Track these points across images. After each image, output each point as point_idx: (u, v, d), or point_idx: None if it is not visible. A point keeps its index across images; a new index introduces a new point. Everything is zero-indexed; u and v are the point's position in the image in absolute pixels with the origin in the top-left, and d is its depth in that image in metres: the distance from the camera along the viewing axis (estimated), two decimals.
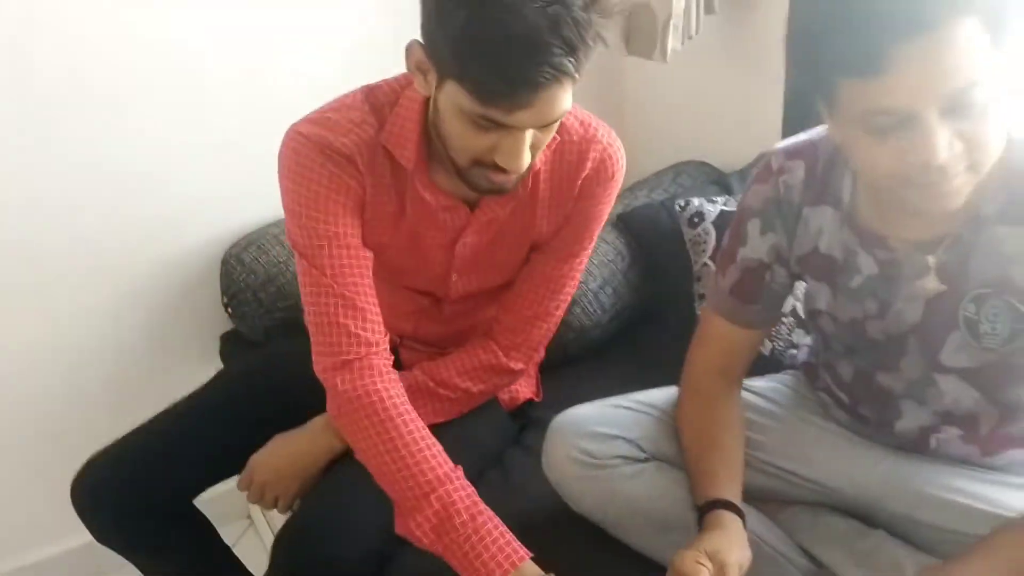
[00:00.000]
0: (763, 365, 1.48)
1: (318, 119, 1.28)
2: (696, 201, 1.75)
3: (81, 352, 1.92)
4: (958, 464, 1.21)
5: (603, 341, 1.80)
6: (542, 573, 1.11)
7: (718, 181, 1.95)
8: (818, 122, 1.19)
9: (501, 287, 1.46)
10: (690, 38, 1.94)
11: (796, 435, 1.31)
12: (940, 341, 1.12)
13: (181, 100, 1.83)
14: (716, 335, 1.30)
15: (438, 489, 1.16)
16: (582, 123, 1.32)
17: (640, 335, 1.83)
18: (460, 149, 1.17)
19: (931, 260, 1.09)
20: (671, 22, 1.89)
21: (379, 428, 1.20)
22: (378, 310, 1.28)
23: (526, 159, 1.14)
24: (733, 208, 1.73)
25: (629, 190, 1.98)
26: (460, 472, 1.20)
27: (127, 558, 1.51)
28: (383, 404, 1.21)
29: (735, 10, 1.99)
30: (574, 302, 1.70)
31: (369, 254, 1.29)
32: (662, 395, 1.37)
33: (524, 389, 1.61)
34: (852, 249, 1.16)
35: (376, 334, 1.26)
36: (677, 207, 1.77)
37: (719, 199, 1.76)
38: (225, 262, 1.90)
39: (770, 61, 1.88)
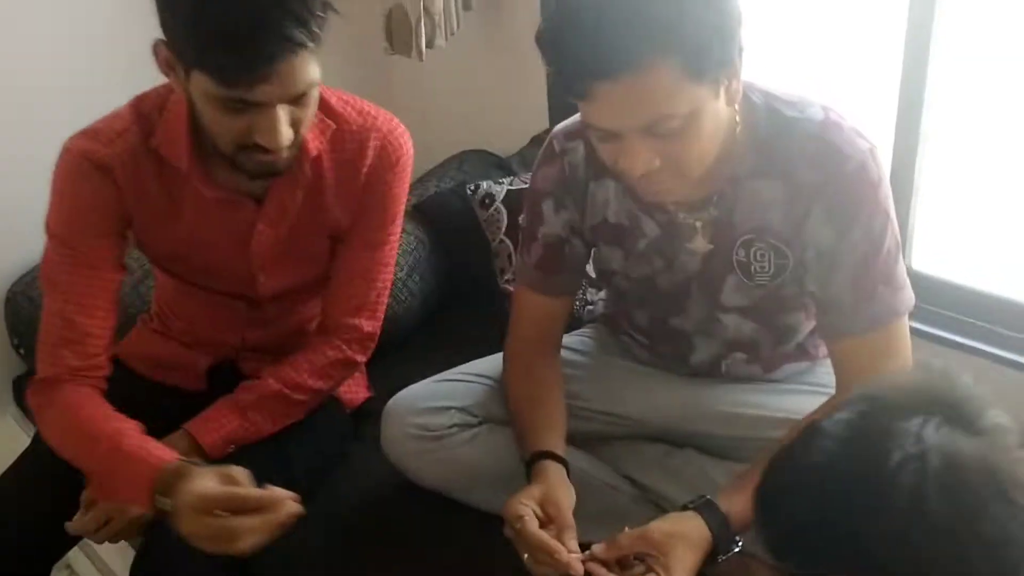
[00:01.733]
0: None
1: (86, 131, 1.30)
2: (484, 184, 1.88)
3: None
4: (746, 382, 1.41)
5: (417, 326, 1.89)
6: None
7: (500, 165, 2.09)
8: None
9: (317, 280, 1.48)
10: (452, 34, 2.06)
11: (605, 379, 1.46)
12: (719, 285, 1.29)
13: None
14: (530, 307, 1.42)
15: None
16: (361, 112, 1.37)
17: (450, 315, 1.94)
18: (220, 135, 1.20)
19: (699, 224, 1.26)
20: (424, 21, 1.99)
21: (73, 430, 1.27)
22: (104, 334, 1.32)
23: (285, 134, 1.17)
24: (519, 187, 1.87)
25: (419, 181, 2.07)
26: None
27: None
28: (74, 409, 1.27)
29: (490, 7, 2.12)
30: None
31: (117, 276, 1.33)
32: (485, 363, 1.48)
33: (360, 388, 1.65)
34: (636, 215, 1.30)
35: (90, 359, 1.31)
36: (468, 191, 1.89)
37: (504, 180, 1.90)
38: (10, 300, 1.81)
39: (529, 51, 2.04)
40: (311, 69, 1.15)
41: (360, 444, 1.59)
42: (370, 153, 1.37)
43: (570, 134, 1.34)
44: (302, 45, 1.11)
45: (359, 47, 2.23)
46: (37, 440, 1.52)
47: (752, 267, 1.26)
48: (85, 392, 1.31)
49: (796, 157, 1.18)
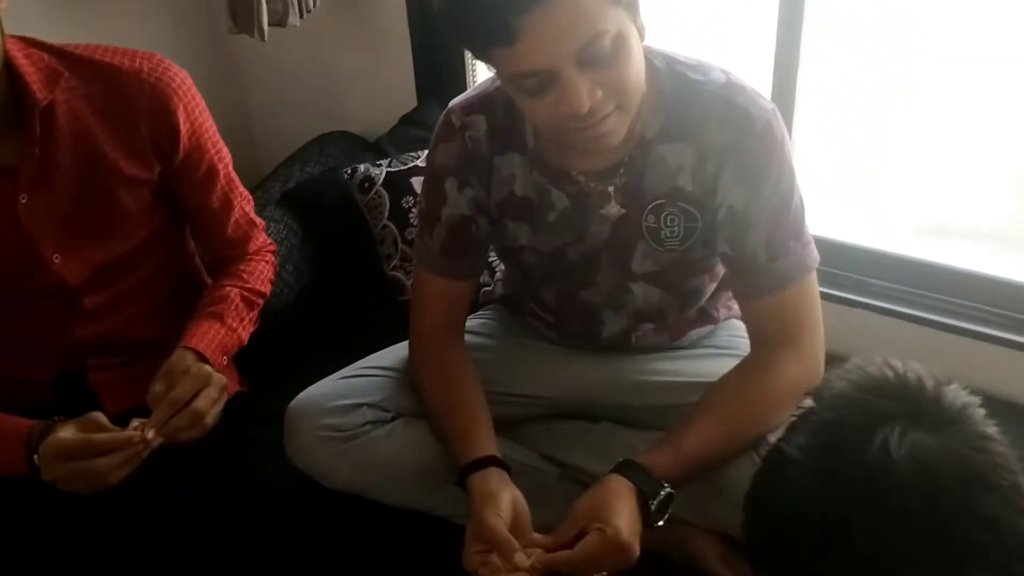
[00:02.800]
0: None
1: None
2: (362, 168, 1.80)
3: None
4: (655, 352, 1.41)
5: (294, 319, 1.79)
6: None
7: (369, 148, 2.00)
8: (452, 85, 1.29)
9: (133, 256, 1.36)
10: (309, 12, 1.95)
11: (513, 360, 1.43)
12: (629, 253, 1.28)
13: None
14: (436, 294, 1.36)
15: None
16: (114, 58, 1.28)
17: (332, 305, 1.84)
18: None
19: (611, 189, 1.24)
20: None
21: None
22: None
23: None
24: (398, 168, 1.80)
25: (281, 167, 1.96)
26: None
27: None
28: None
29: None
30: None
31: None
32: (388, 356, 1.42)
33: (231, 382, 1.52)
34: (544, 188, 1.27)
35: None
36: (344, 175, 1.80)
37: (382, 162, 1.82)
38: None
39: (393, 28, 1.97)
40: None
41: (250, 449, 1.45)
42: (139, 99, 1.28)
43: (468, 108, 1.29)
44: None
45: (205, 24, 2.09)
46: None
47: (662, 232, 1.26)
48: None
49: (704, 119, 1.19)
